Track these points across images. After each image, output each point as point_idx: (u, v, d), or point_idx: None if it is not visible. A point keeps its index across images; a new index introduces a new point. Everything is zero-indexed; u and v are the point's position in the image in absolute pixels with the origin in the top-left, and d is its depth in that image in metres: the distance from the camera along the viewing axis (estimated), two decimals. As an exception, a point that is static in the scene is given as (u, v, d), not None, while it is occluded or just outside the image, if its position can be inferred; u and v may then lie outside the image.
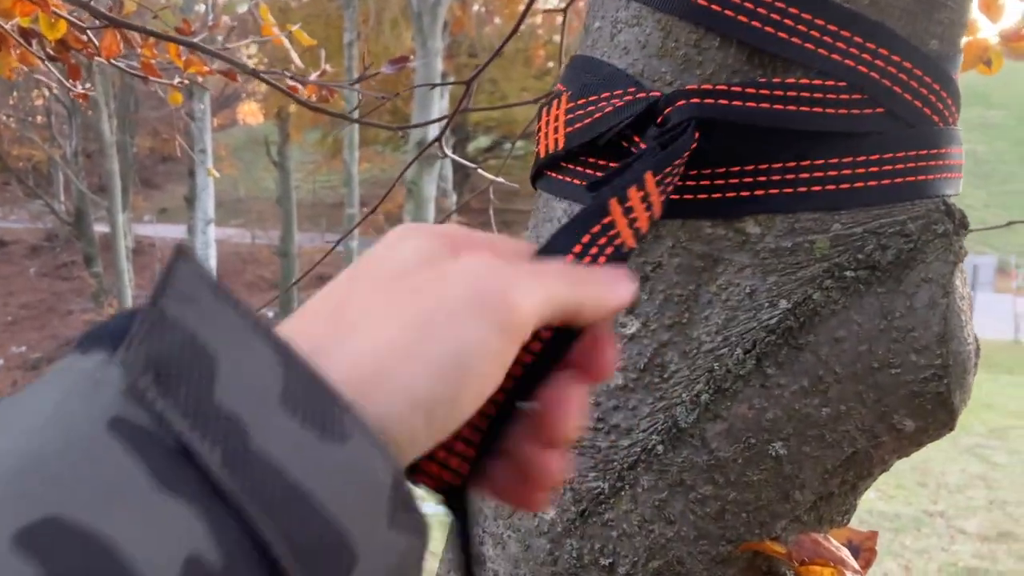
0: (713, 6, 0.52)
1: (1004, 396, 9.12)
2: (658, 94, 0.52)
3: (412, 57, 1.65)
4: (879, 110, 0.52)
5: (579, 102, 0.57)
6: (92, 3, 1.52)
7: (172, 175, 27.89)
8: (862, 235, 0.53)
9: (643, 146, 0.52)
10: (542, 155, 0.60)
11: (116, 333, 0.29)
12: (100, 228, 20.22)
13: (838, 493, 0.56)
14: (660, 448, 0.54)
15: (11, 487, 0.24)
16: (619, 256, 0.41)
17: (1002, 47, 2.02)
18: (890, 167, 0.53)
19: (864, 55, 0.52)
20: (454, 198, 17.79)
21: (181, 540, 0.25)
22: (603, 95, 0.55)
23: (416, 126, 1.51)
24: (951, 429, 0.55)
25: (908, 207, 0.53)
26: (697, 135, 0.50)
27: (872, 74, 0.52)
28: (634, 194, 0.43)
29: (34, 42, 1.51)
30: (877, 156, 0.53)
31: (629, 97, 0.54)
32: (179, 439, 0.26)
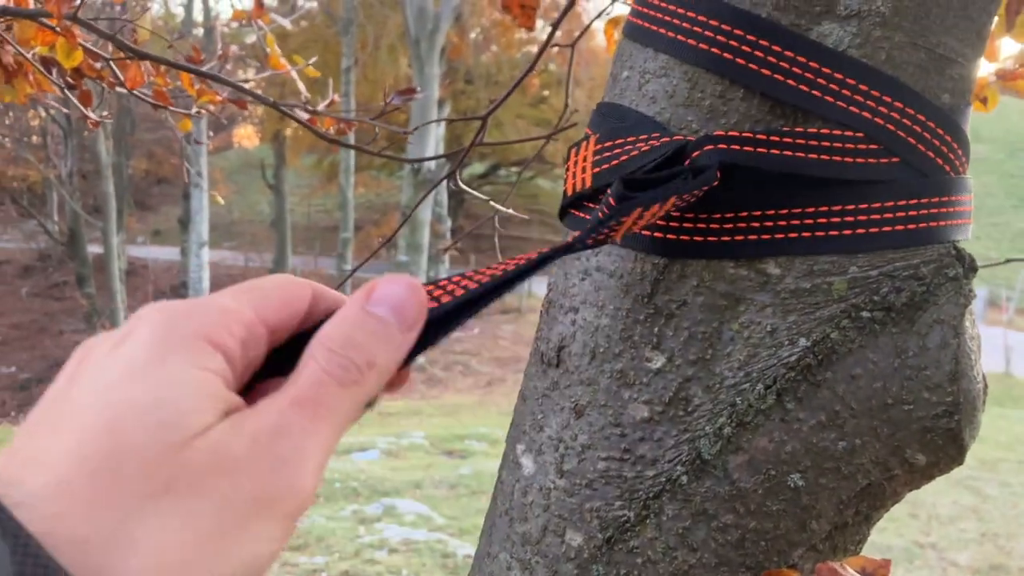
0: (738, 59, 0.55)
1: (995, 428, 9.15)
2: (691, 138, 0.55)
3: (419, 89, 1.68)
4: (894, 160, 0.55)
5: (606, 144, 0.60)
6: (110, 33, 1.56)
7: (166, 197, 27.92)
8: (877, 278, 0.56)
9: None
10: (569, 193, 0.62)
11: None
12: (93, 249, 20.22)
13: (852, 523, 0.58)
14: (684, 478, 0.56)
15: None
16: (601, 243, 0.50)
17: (998, 85, 2.07)
18: (904, 214, 0.56)
19: (880, 108, 0.55)
20: (449, 223, 17.87)
21: None
22: (630, 139, 0.58)
23: (434, 158, 1.54)
24: (960, 463, 0.58)
25: (921, 252, 0.56)
26: (719, 175, 0.53)
27: (888, 126, 0.55)
28: (655, 208, 0.51)
29: (54, 71, 1.54)
30: (892, 203, 0.56)
31: (655, 141, 0.57)
32: None
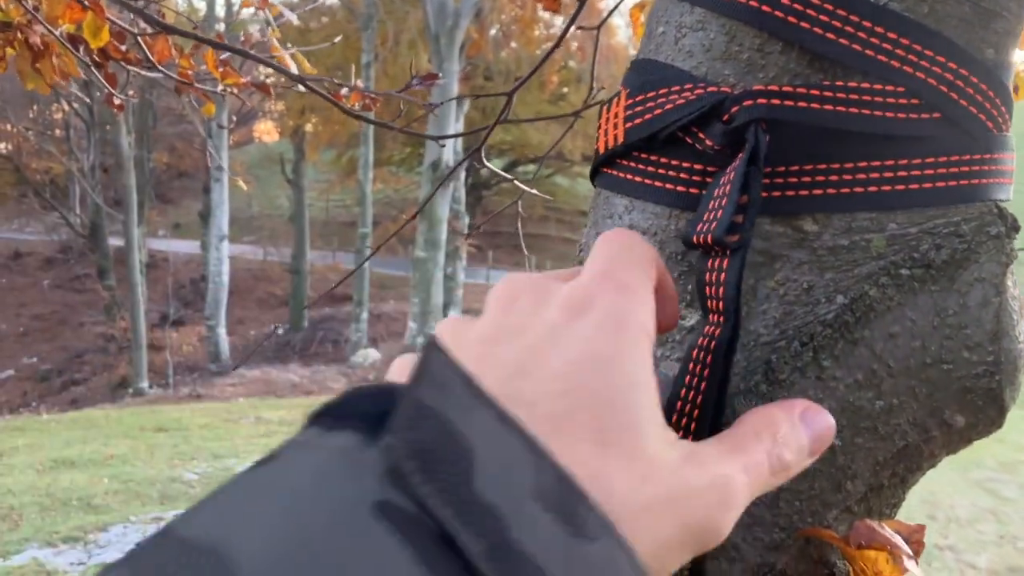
0: (777, 12, 0.54)
1: (1015, 431, 9.07)
2: (728, 90, 0.54)
3: (440, 75, 1.68)
4: (936, 115, 0.54)
5: (639, 98, 0.59)
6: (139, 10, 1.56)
7: (187, 191, 28.09)
8: (917, 235, 0.55)
9: (708, 142, 0.54)
10: (601, 151, 0.62)
11: (363, 415, 0.30)
12: (115, 242, 20.34)
13: (888, 485, 0.57)
14: (718, 436, 0.55)
15: (286, 564, 0.24)
16: None
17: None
18: (944, 170, 0.55)
19: (922, 62, 0.54)
20: (466, 219, 17.87)
21: None
22: (662, 91, 0.57)
23: (458, 135, 1.54)
24: (999, 427, 0.57)
25: (962, 209, 0.55)
26: (768, 138, 0.52)
27: (930, 80, 0.54)
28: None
29: (81, 48, 1.55)
30: (933, 159, 0.55)
31: (689, 94, 0.56)
32: (443, 527, 0.27)
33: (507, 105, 1.15)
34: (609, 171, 0.62)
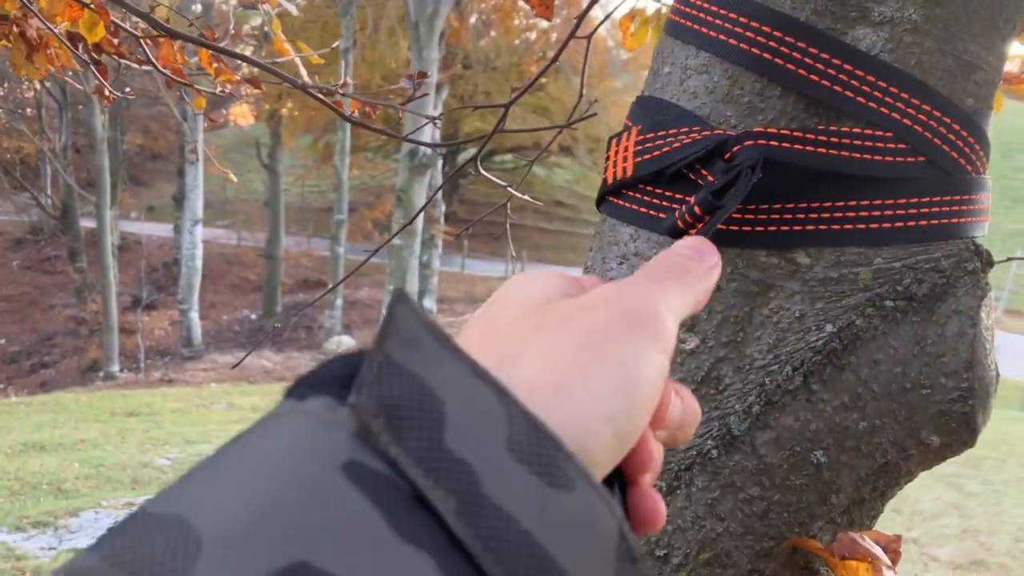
0: (777, 59, 0.59)
1: (980, 427, 9.22)
2: (731, 132, 0.59)
3: (428, 74, 1.71)
4: (920, 159, 0.59)
5: (648, 136, 0.63)
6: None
7: (161, 173, 27.79)
8: (901, 269, 0.59)
9: (711, 178, 0.59)
10: (609, 181, 0.66)
11: (334, 379, 0.30)
12: (86, 223, 20.12)
13: (869, 499, 0.62)
14: (714, 452, 0.60)
15: (256, 531, 0.24)
16: None
17: (1003, 89, 2.10)
18: (927, 210, 0.60)
19: (909, 109, 0.58)
20: (443, 207, 17.87)
21: None
22: (672, 131, 0.62)
23: (457, 143, 1.57)
24: (971, 446, 0.62)
25: (942, 246, 0.60)
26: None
27: (915, 127, 0.59)
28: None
29: (79, 45, 1.57)
30: (916, 199, 0.59)
31: (695, 134, 0.60)
32: (414, 486, 0.27)
33: (503, 117, 1.19)
34: (616, 200, 0.66)
